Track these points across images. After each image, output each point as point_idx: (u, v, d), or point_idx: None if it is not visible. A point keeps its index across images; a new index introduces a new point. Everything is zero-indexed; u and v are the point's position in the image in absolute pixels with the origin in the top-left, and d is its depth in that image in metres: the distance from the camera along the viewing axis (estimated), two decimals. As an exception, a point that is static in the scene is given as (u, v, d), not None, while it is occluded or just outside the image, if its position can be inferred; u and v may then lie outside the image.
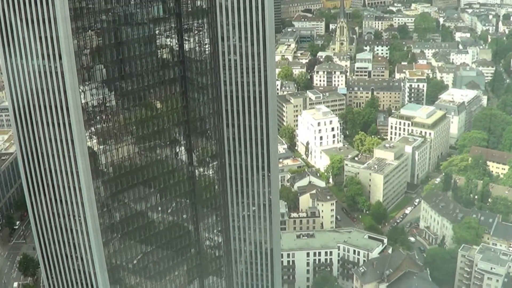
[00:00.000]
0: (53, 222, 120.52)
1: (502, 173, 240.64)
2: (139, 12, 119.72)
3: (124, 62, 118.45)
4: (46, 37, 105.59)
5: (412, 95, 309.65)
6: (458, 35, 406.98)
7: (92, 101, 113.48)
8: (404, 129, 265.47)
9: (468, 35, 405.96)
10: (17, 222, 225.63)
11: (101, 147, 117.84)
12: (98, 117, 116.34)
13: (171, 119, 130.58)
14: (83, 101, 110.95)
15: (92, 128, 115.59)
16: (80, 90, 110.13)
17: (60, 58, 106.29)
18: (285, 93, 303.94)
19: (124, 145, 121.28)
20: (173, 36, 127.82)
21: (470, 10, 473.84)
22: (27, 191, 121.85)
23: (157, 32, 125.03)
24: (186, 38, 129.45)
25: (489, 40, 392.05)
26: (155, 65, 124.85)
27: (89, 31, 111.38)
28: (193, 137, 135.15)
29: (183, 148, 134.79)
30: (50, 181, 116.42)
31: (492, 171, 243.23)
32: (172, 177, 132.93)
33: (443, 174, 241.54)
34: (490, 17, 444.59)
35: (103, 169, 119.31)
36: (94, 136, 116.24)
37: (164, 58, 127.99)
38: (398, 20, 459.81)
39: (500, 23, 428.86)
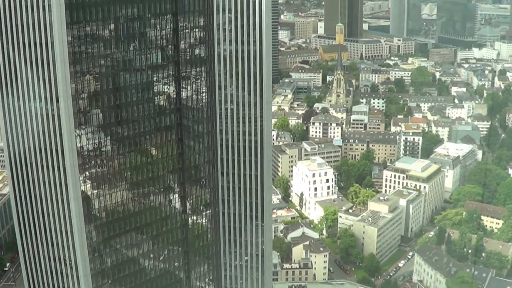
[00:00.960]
0: (44, 265, 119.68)
1: (496, 228, 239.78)
2: (137, 59, 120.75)
3: (121, 107, 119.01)
4: (44, 80, 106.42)
5: (408, 148, 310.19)
6: (454, 90, 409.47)
7: (87, 145, 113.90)
8: (398, 182, 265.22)
9: (464, 89, 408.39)
10: (7, 264, 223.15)
11: (95, 191, 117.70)
12: (93, 162, 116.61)
13: (166, 166, 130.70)
14: (78, 145, 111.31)
15: (87, 172, 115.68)
16: (76, 134, 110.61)
17: (58, 101, 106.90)
18: (280, 143, 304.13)
19: (118, 191, 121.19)
20: (170, 83, 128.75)
21: (466, 65, 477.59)
22: (18, 233, 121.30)
23: (155, 78, 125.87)
24: (184, 85, 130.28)
25: (485, 95, 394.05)
26: (152, 112, 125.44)
27: (87, 75, 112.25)
28: (187, 185, 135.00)
29: (177, 195, 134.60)
30: (42, 224, 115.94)
31: (486, 226, 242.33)
32: (165, 224, 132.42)
33: (437, 228, 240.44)
34: (486, 72, 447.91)
35: (96, 214, 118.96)
36: (88, 181, 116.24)
37: (161, 105, 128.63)
38: (395, 73, 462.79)
39: (496, 78, 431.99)
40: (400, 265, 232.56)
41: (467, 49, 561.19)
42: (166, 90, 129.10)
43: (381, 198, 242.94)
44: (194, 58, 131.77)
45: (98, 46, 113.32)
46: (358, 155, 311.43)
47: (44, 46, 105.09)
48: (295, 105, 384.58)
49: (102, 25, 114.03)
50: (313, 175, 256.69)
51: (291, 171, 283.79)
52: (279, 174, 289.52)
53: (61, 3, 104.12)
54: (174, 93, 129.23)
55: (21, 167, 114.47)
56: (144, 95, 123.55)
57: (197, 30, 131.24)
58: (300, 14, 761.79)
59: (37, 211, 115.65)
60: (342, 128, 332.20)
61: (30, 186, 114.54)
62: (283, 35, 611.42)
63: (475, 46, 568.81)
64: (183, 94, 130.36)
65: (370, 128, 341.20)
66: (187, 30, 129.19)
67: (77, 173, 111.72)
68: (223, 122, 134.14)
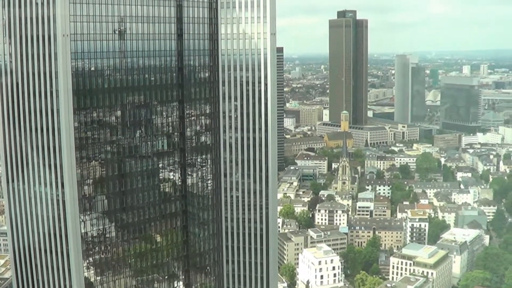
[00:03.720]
0: None
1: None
2: (143, 145, 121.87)
3: (126, 194, 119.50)
4: (50, 165, 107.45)
5: (414, 234, 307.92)
6: (459, 175, 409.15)
7: (91, 231, 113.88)
8: (406, 268, 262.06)
9: (469, 174, 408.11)
10: None
11: (98, 278, 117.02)
12: (97, 248, 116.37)
13: (171, 253, 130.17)
14: (82, 231, 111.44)
15: (90, 258, 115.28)
16: (80, 220, 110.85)
17: (63, 186, 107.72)
18: (286, 231, 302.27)
19: (121, 277, 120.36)
20: (176, 170, 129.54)
21: (471, 150, 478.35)
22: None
23: (160, 165, 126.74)
24: (189, 173, 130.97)
25: (491, 179, 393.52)
26: (157, 199, 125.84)
27: (93, 161, 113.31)
28: (192, 272, 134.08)
29: (181, 283, 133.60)
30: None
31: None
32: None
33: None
34: (491, 157, 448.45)
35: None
36: (91, 266, 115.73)
37: (166, 192, 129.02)
38: (400, 160, 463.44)
39: (501, 162, 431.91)
40: None
41: (471, 134, 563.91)
42: (171, 177, 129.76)
43: (388, 285, 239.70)
44: (200, 145, 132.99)
45: (104, 132, 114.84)
46: (364, 242, 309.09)
47: (50, 132, 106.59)
48: (301, 193, 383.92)
49: (109, 111, 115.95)
50: (319, 262, 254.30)
51: (297, 258, 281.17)
52: (285, 261, 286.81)
53: (68, 89, 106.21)
54: (179, 180, 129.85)
55: (24, 251, 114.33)
56: (149, 182, 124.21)
57: (203, 117, 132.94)
58: (305, 101, 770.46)
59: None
60: (348, 215, 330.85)
61: (33, 271, 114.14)
62: (288, 122, 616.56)
63: (479, 131, 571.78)
64: (189, 181, 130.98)
65: (376, 215, 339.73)
66: (193, 118, 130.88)
67: (81, 258, 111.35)
68: (229, 209, 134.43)
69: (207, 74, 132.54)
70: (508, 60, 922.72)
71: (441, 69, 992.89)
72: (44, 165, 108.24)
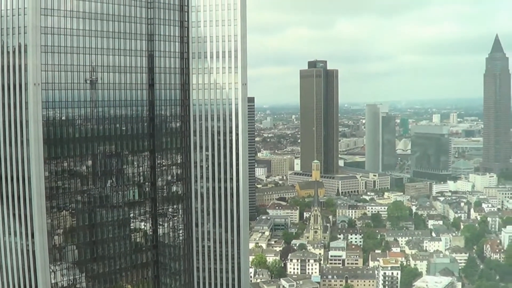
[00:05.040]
0: None
1: None
2: (114, 195, 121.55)
3: (97, 244, 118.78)
4: (19, 215, 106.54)
5: (386, 283, 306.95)
6: (430, 223, 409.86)
7: (62, 282, 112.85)
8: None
9: (440, 222, 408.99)
10: None
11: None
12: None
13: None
14: (52, 281, 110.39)
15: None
16: (50, 270, 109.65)
17: (33, 236, 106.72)
18: (258, 280, 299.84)
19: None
20: (147, 220, 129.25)
21: (442, 198, 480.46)
22: None
23: (131, 215, 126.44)
24: (161, 222, 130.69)
25: (462, 227, 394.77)
26: (128, 249, 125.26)
27: (64, 211, 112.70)
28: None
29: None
30: None
31: None
32: None
33: None
34: (462, 204, 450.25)
35: None
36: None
37: (137, 242, 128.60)
38: (371, 208, 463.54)
39: (471, 210, 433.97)
40: None
41: (442, 182, 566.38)
42: (142, 227, 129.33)
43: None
44: (171, 195, 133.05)
45: (75, 182, 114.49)
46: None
47: (21, 181, 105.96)
48: (273, 242, 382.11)
49: (80, 161, 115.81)
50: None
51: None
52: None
53: (39, 138, 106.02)
54: (150, 230, 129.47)
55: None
56: (120, 232, 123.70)
57: (174, 167, 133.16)
58: (276, 151, 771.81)
59: None
60: (320, 264, 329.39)
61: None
62: (259, 172, 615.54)
63: (450, 179, 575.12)
64: (160, 231, 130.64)
65: (348, 263, 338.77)
66: (164, 167, 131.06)
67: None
68: (200, 259, 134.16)
69: (178, 124, 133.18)
70: (477, 108, 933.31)
71: (411, 118, 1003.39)
72: (14, 214, 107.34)
